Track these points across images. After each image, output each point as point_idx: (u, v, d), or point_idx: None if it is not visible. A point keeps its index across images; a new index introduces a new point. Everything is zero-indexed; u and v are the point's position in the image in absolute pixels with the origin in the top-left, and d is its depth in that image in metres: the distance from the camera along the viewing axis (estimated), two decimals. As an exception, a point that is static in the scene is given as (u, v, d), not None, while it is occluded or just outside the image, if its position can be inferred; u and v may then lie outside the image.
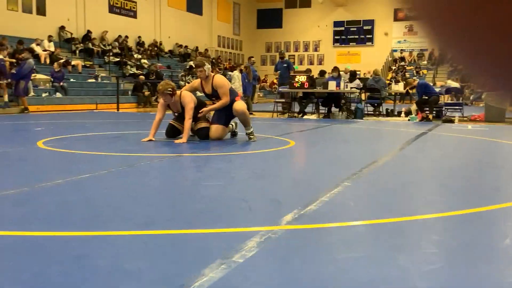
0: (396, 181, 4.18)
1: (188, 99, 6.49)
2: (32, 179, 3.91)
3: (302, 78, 12.39)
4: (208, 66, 6.70)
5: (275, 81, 29.47)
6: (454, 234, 2.66)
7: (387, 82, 19.64)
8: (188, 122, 6.39)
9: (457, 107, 13.41)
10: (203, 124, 6.73)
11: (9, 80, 12.79)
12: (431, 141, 7.89)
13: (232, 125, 7.11)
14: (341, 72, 13.94)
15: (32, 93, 14.38)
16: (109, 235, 2.45)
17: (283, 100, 13.90)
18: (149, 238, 2.42)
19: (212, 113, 6.94)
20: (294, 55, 34.49)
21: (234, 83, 13.90)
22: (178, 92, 6.60)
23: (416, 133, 8.62)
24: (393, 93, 15.65)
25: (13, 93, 13.31)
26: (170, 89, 6.43)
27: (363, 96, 14.28)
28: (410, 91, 13.57)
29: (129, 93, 18.47)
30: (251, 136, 6.79)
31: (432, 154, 6.28)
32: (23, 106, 13.06)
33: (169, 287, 1.80)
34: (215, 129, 6.70)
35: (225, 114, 6.76)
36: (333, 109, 12.88)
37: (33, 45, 16.71)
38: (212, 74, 6.81)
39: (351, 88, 12.68)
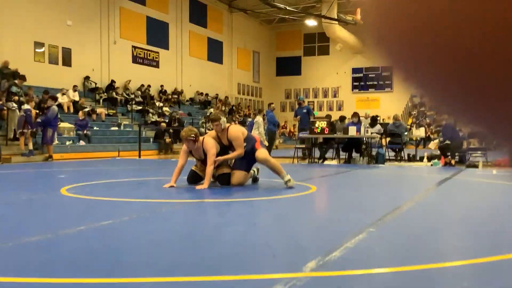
0: (421, 227, 4.09)
1: (211, 145, 6.53)
2: (55, 226, 3.93)
3: (322, 124, 12.43)
4: (223, 120, 6.72)
5: (292, 129, 29.59)
6: (485, 281, 2.57)
7: (408, 127, 19.56)
8: (210, 168, 6.41)
9: (480, 152, 13.23)
10: (224, 170, 6.74)
11: (34, 129, 13.11)
12: (456, 186, 7.75)
13: (254, 171, 7.10)
14: (361, 118, 13.97)
15: (56, 141, 14.69)
16: (132, 282, 2.42)
17: (304, 146, 13.91)
18: (172, 285, 2.38)
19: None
20: (313, 101, 34.78)
21: (259, 128, 14.00)
22: (200, 138, 6.65)
23: (440, 179, 8.49)
24: (414, 138, 15.56)
25: (41, 141, 13.61)
26: (193, 135, 6.49)
27: (383, 142, 14.23)
28: (432, 136, 13.48)
29: (151, 140, 18.73)
30: (289, 183, 6.62)
31: (457, 200, 6.16)
32: (47, 154, 13.31)
33: (193, 336, 1.75)
34: (237, 175, 6.70)
35: (246, 160, 6.77)
36: (354, 154, 12.83)
37: (59, 95, 17.18)
38: (228, 125, 6.83)
39: (372, 133, 12.66)
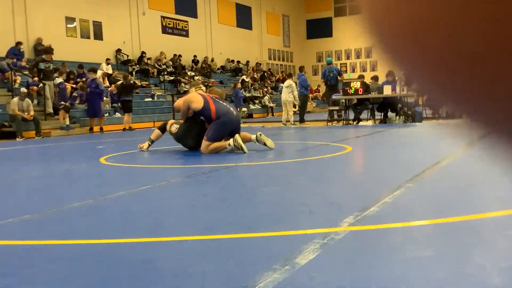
0: (463, 181, 4.00)
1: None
2: (96, 192, 4.03)
3: (356, 85, 12.21)
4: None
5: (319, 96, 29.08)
6: (531, 231, 2.49)
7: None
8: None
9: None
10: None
11: (68, 103, 13.40)
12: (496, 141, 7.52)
13: (232, 142, 6.49)
14: (396, 77, 13.64)
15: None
16: (172, 241, 2.47)
17: (337, 108, 13.73)
18: (211, 242, 2.42)
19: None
20: (346, 63, 34.18)
21: (293, 92, 13.82)
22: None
23: (479, 134, 8.25)
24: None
25: (88, 115, 13.90)
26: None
27: (420, 100, 13.88)
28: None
29: (184, 109, 18.84)
30: (234, 143, 6.43)
31: (498, 153, 5.98)
32: (100, 126, 13.66)
33: (234, 289, 1.78)
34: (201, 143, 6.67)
35: (207, 128, 6.67)
36: (390, 114, 12.59)
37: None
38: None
39: (409, 91, 12.36)
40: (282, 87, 14.46)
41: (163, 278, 1.93)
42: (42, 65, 13.83)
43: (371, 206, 2.99)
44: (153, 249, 2.34)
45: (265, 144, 6.54)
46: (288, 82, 14.08)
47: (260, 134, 6.59)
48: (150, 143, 7.32)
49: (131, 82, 15.00)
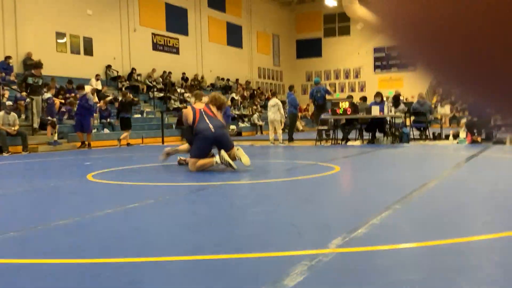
0: (449, 203, 4.03)
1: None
2: (83, 210, 4.00)
3: (344, 105, 12.31)
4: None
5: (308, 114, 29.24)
6: (516, 255, 2.52)
7: (432, 105, 19.24)
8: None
9: (508, 128, 12.93)
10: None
11: (56, 119, 13.32)
12: (483, 163, 7.61)
13: (218, 159, 6.53)
14: (384, 98, 13.80)
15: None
16: (160, 261, 2.45)
17: (326, 128, 13.81)
18: (199, 263, 2.40)
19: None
20: (335, 83, 34.47)
21: (280, 110, 13.93)
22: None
23: (466, 156, 8.35)
24: (439, 117, 15.31)
25: (75, 130, 13.87)
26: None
27: (407, 121, 14.03)
28: (458, 114, 13.19)
29: (173, 126, 18.84)
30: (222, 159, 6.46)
31: (485, 176, 6.05)
32: (86, 142, 13.58)
33: (221, 311, 1.77)
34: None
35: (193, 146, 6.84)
36: (378, 134, 12.69)
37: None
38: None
39: (396, 112, 12.48)
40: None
41: (149, 300, 1.91)
42: (30, 80, 13.72)
43: (359, 228, 2.99)
44: (140, 270, 2.32)
45: (240, 160, 6.51)
46: (274, 100, 14.15)
47: (238, 149, 6.58)
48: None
49: (130, 99, 15.27)
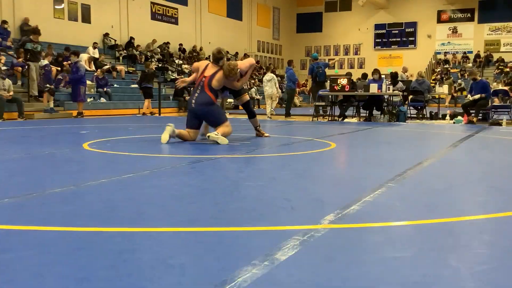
0: (443, 183, 4.05)
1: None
2: (78, 178, 4.00)
3: (343, 81, 12.26)
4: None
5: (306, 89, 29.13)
6: (506, 235, 2.54)
7: (432, 84, 19.17)
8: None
9: (504, 110, 12.95)
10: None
11: (53, 86, 13.21)
12: (479, 143, 7.64)
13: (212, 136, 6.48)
14: (382, 76, 13.74)
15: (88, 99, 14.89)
16: (152, 231, 2.46)
17: (323, 104, 13.79)
18: (192, 234, 2.42)
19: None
20: (334, 59, 34.24)
21: (276, 84, 14.04)
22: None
23: (462, 136, 8.37)
24: (437, 96, 15.27)
25: (72, 99, 13.80)
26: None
27: (405, 99, 14.00)
28: (456, 94, 13.14)
29: (171, 97, 18.75)
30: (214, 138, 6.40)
31: (480, 156, 6.07)
32: (78, 110, 13.52)
33: (211, 282, 1.78)
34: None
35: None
36: (375, 112, 12.68)
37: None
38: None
39: (394, 90, 12.44)
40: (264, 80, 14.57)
41: (141, 269, 1.93)
42: (29, 46, 13.56)
43: (352, 204, 3.01)
44: (132, 239, 2.33)
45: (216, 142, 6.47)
46: (270, 75, 14.27)
47: (216, 134, 6.46)
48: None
49: (152, 70, 15.94)
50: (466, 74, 28.83)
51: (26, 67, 13.90)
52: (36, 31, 13.96)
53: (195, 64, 7.27)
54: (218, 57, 6.83)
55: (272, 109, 14.23)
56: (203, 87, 6.69)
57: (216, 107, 6.80)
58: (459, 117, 11.82)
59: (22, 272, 1.89)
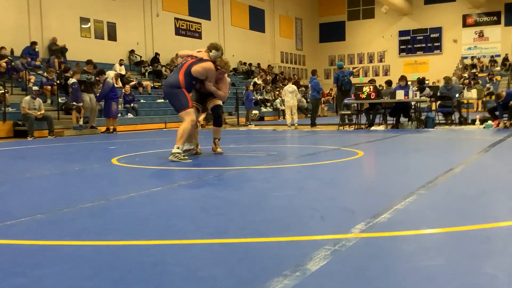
0: (475, 189, 3.96)
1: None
2: (107, 193, 4.06)
3: (368, 89, 12.17)
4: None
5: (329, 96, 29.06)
6: (545, 242, 2.46)
7: (461, 86, 18.81)
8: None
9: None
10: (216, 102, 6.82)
11: (80, 104, 13.45)
12: (510, 148, 7.45)
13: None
14: (409, 82, 13.60)
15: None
16: (183, 244, 2.47)
17: (349, 112, 13.70)
18: (222, 246, 2.42)
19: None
20: (358, 67, 34.03)
21: (297, 95, 14.25)
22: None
23: (493, 141, 8.19)
24: (465, 101, 15.01)
25: (103, 115, 14.06)
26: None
27: (433, 105, 13.81)
28: (485, 98, 12.81)
29: (196, 111, 18.87)
30: (173, 157, 6.04)
31: (511, 161, 5.92)
32: (112, 127, 13.74)
33: (244, 294, 1.77)
34: None
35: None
36: (402, 119, 12.52)
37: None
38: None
39: (421, 97, 12.28)
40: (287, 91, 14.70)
41: (173, 282, 1.93)
42: (83, 77, 13.80)
43: (382, 213, 2.97)
44: (163, 252, 2.34)
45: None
46: (292, 87, 14.43)
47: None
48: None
49: None
50: (494, 78, 28.28)
51: (56, 85, 14.26)
52: (89, 62, 14.35)
53: (186, 52, 6.77)
54: (216, 47, 6.60)
55: (291, 121, 14.36)
56: (180, 68, 6.34)
57: (181, 92, 6.20)
58: (490, 122, 11.57)
59: (58, 286, 1.92)
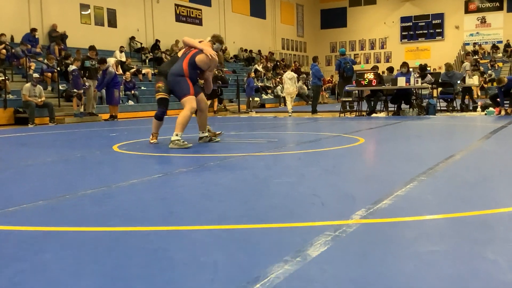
0: (476, 175, 3.96)
1: None
2: (109, 179, 4.06)
3: (369, 76, 12.12)
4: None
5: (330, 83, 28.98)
6: (545, 228, 2.46)
7: (463, 73, 18.75)
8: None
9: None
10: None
11: (82, 91, 13.41)
12: (511, 134, 7.44)
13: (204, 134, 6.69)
14: (410, 69, 13.55)
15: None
16: (184, 230, 2.48)
17: (350, 99, 13.67)
18: (223, 232, 2.42)
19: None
20: (359, 54, 33.90)
21: (296, 83, 14.28)
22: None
23: (495, 127, 8.17)
24: (474, 88, 14.94)
25: (106, 102, 14.05)
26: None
27: (434, 92, 13.77)
28: (486, 85, 12.80)
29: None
30: (172, 144, 6.09)
31: (513, 148, 5.92)
32: (113, 114, 13.73)
33: (244, 279, 1.78)
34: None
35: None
36: (403, 106, 12.49)
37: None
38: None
39: (422, 83, 12.23)
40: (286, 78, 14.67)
41: (174, 267, 1.94)
42: (87, 63, 13.54)
43: (383, 199, 2.97)
44: (165, 238, 2.35)
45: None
46: (291, 74, 14.39)
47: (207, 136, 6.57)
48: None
49: (221, 74, 15.94)
50: (496, 65, 28.15)
51: (56, 72, 14.20)
52: (92, 47, 14.19)
53: (191, 41, 6.71)
54: (221, 40, 6.73)
55: (288, 108, 14.48)
56: (183, 58, 6.41)
57: (184, 80, 6.31)
58: (491, 109, 11.54)
59: (60, 271, 1.93)
